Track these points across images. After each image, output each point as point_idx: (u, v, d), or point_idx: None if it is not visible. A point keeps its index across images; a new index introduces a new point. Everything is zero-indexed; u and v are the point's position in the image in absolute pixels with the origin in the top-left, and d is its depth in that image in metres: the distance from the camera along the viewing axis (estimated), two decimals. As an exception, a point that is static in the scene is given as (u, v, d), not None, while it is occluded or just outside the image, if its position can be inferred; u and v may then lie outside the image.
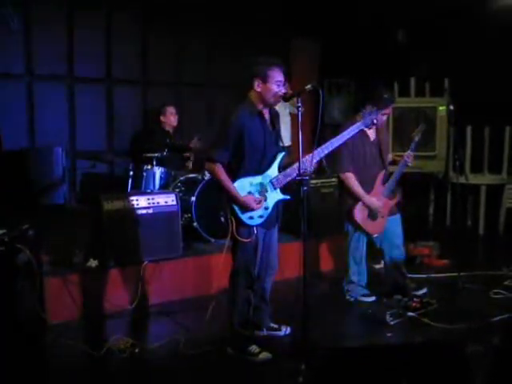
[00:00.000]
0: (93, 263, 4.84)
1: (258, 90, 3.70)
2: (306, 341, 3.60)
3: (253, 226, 3.76)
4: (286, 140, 7.02)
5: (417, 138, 4.93)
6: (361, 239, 4.92)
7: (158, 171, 5.78)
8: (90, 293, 4.69)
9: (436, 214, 8.07)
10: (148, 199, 5.08)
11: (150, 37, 7.36)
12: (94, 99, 7.07)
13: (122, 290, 4.81)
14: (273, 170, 3.81)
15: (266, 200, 3.77)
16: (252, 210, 3.70)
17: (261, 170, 3.77)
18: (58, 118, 6.82)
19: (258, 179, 3.75)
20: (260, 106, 3.76)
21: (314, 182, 6.10)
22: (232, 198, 3.69)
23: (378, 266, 5.65)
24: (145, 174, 5.75)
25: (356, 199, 4.76)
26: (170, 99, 7.05)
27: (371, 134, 4.87)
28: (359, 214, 4.76)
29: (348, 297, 5.02)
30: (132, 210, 4.97)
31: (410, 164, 4.88)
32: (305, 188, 3.53)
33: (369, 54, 7.87)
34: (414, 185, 7.57)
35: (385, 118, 4.86)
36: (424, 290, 5.03)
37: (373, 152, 4.85)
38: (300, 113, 3.57)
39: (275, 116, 3.93)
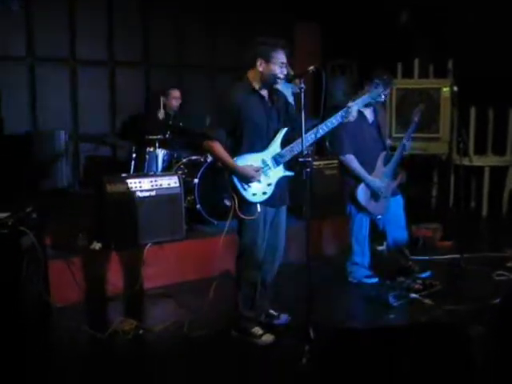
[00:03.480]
0: (96, 246, 4.85)
1: (260, 69, 3.67)
2: (309, 322, 3.62)
3: (256, 204, 3.73)
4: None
5: (416, 119, 4.91)
6: (364, 220, 4.92)
7: (161, 153, 5.77)
8: (93, 275, 4.71)
9: (439, 196, 8.06)
10: (151, 181, 5.07)
11: (152, 19, 7.32)
12: (97, 82, 7.05)
13: (125, 272, 4.83)
14: (275, 147, 3.78)
15: (269, 177, 3.74)
16: (252, 179, 3.65)
17: (262, 146, 3.75)
18: (60, 100, 6.80)
19: (259, 156, 3.72)
20: (257, 85, 3.74)
21: (317, 163, 6.10)
22: (231, 170, 3.66)
23: (380, 248, 5.66)
24: (147, 156, 5.74)
25: (358, 180, 4.76)
26: (171, 81, 7.03)
27: (369, 115, 4.87)
28: (362, 194, 4.76)
29: (351, 278, 5.03)
30: (135, 192, 4.97)
31: (406, 151, 4.88)
32: (308, 170, 3.53)
33: (372, 35, 7.80)
34: (418, 167, 7.55)
35: (383, 98, 4.85)
36: (427, 273, 5.03)
37: (372, 134, 4.86)
38: (303, 94, 3.57)
39: (275, 94, 3.87)
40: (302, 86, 3.57)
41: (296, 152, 3.74)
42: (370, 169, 4.77)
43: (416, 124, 4.92)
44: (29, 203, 4.04)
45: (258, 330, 3.85)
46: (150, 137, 5.81)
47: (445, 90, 7.43)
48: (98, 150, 6.69)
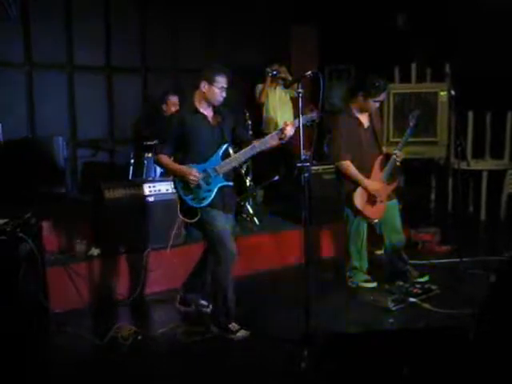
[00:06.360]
0: (95, 252, 4.86)
1: (203, 90, 4.05)
2: (308, 327, 3.62)
3: (196, 208, 3.98)
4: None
5: (412, 124, 4.92)
6: (361, 225, 4.92)
7: (159, 159, 5.76)
8: (92, 281, 4.71)
9: (437, 200, 8.05)
10: (149, 187, 5.08)
11: (149, 23, 7.32)
12: (94, 87, 7.05)
13: (124, 277, 4.83)
14: (215, 159, 4.06)
15: (208, 184, 4.00)
16: (189, 179, 3.92)
17: (204, 159, 4.04)
18: (58, 106, 6.80)
19: (201, 166, 4.01)
20: (200, 105, 4.10)
21: (315, 168, 6.10)
22: (174, 173, 4.04)
23: (379, 252, 5.65)
24: (146, 161, 5.75)
25: (355, 185, 4.76)
26: (169, 86, 7.03)
27: (365, 120, 4.89)
28: (358, 199, 4.77)
29: (350, 283, 5.03)
30: (133, 198, 4.97)
31: (398, 163, 4.89)
32: (306, 174, 3.58)
33: (369, 39, 7.82)
34: (416, 171, 7.55)
35: (377, 104, 4.87)
36: (426, 278, 5.03)
37: (368, 138, 4.88)
38: (300, 98, 3.61)
39: (220, 115, 4.16)
40: (300, 90, 3.64)
41: (235, 165, 4.16)
42: (367, 173, 4.78)
43: (412, 129, 4.93)
44: (27, 209, 4.03)
45: (234, 326, 4.01)
46: (148, 142, 5.81)
47: (442, 93, 7.44)
48: (96, 155, 6.68)
